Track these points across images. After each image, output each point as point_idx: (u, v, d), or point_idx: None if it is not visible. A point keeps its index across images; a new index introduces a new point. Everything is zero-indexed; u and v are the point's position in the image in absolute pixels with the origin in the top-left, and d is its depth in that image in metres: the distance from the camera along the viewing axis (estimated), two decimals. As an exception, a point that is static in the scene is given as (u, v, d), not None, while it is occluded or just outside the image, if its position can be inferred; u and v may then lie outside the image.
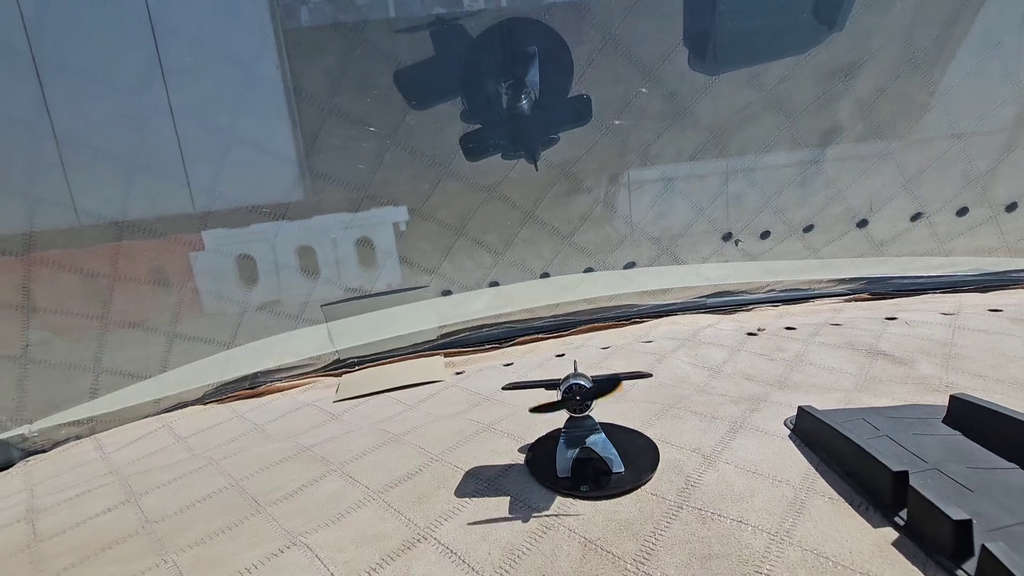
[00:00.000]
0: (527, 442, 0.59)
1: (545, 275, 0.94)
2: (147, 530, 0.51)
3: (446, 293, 0.94)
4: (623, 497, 0.48)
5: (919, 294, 1.00)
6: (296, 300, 0.97)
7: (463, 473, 0.54)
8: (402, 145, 0.82)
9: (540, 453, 0.57)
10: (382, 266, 1.00)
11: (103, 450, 0.77)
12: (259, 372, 0.96)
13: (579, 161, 0.85)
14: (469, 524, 0.47)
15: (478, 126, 0.80)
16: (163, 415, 0.87)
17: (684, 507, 0.45)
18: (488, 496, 0.50)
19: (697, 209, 0.90)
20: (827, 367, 0.75)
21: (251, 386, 0.91)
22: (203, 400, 0.90)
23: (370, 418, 0.74)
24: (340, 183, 0.85)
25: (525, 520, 0.46)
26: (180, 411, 0.88)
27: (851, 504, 0.44)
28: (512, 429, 0.63)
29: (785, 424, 0.58)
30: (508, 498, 0.50)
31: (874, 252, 0.97)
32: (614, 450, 0.54)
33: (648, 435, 0.58)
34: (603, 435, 0.56)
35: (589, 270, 0.95)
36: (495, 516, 0.47)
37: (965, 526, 0.35)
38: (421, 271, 0.91)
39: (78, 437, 0.83)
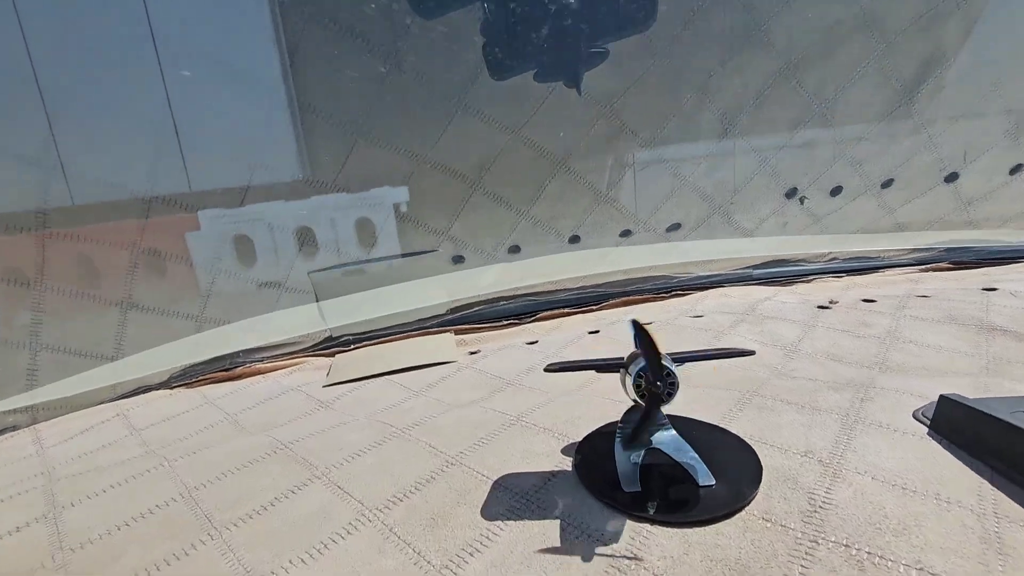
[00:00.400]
0: (570, 440, 0.45)
1: (575, 239, 0.80)
2: (58, 561, 0.37)
3: (458, 260, 0.80)
4: (723, 522, 0.34)
5: (1010, 263, 0.86)
6: (279, 269, 0.83)
7: (490, 483, 0.40)
8: (405, 68, 0.66)
9: (592, 455, 0.43)
10: (380, 246, 0.86)
11: (41, 444, 0.63)
12: (239, 352, 0.82)
13: (625, 94, 0.69)
14: (505, 560, 0.33)
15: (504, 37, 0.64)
16: (121, 401, 0.72)
17: (821, 542, 0.31)
18: (528, 518, 0.36)
19: (760, 159, 0.75)
20: (933, 345, 0.60)
21: (227, 367, 0.77)
22: (169, 384, 0.76)
23: (367, 407, 0.60)
24: (328, 118, 0.69)
25: (586, 558, 0.32)
26: (141, 396, 0.73)
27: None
28: (548, 422, 0.49)
29: (917, 418, 0.44)
30: (557, 522, 0.36)
31: (959, 213, 0.82)
32: (694, 453, 0.40)
33: (734, 432, 0.43)
34: (674, 432, 0.42)
35: (627, 233, 0.80)
36: (541, 548, 0.33)
37: None
38: (428, 232, 0.76)
39: (15, 428, 0.69)
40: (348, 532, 0.37)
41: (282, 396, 0.67)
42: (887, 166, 0.80)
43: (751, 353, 0.42)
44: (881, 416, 0.44)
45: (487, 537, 0.35)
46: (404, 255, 0.75)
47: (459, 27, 0.65)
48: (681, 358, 0.39)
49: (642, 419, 0.37)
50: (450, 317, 0.86)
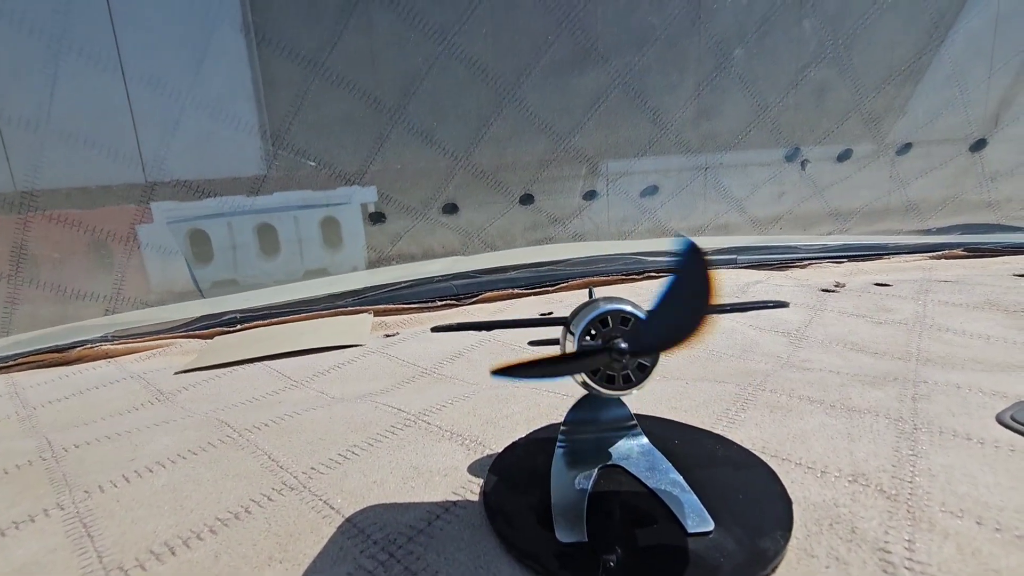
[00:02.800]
0: (487, 451, 0.29)
1: (528, 199, 0.64)
2: None
3: (377, 218, 0.63)
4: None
5: (1031, 252, 0.74)
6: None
7: (339, 522, 0.24)
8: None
9: (513, 476, 0.27)
10: (346, 248, 0.70)
11: None
12: (95, 336, 0.63)
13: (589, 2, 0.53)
14: None
15: None
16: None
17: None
18: (383, 591, 0.20)
19: (759, 105, 0.61)
20: (978, 335, 0.47)
21: (62, 349, 0.58)
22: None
23: (218, 400, 0.43)
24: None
25: None
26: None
27: None
28: (461, 424, 0.33)
29: (1005, 423, 0.29)
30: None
31: (979, 190, 0.70)
32: (678, 476, 0.24)
33: (736, 441, 0.28)
34: (646, 440, 0.26)
35: (592, 194, 0.64)
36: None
37: None
38: (335, 177, 0.59)
39: None
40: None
41: (114, 385, 0.49)
42: (907, 126, 0.67)
43: (785, 305, 0.27)
44: (952, 421, 0.29)
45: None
46: (305, 207, 0.58)
47: None
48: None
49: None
50: (372, 296, 0.69)
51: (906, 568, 0.19)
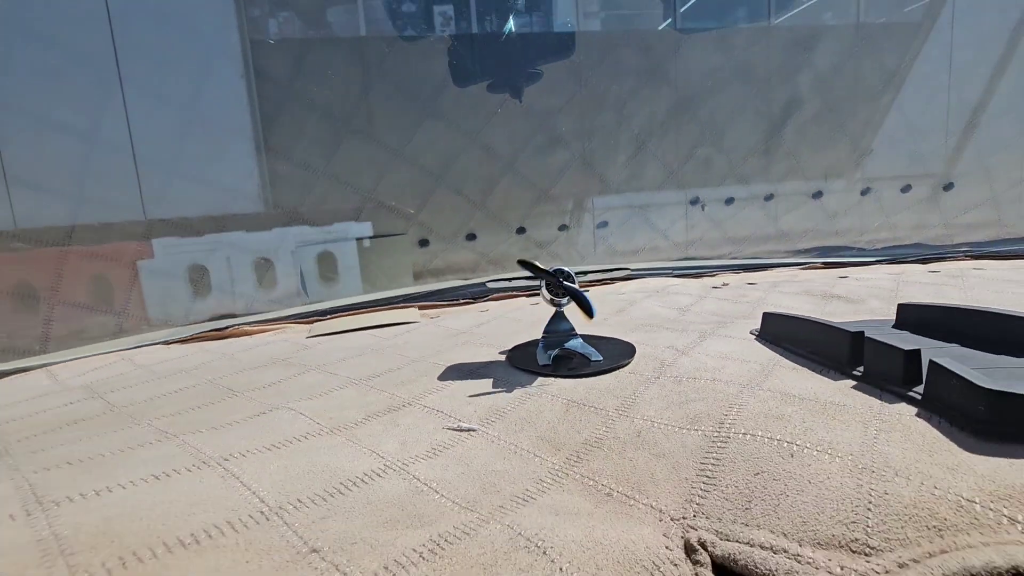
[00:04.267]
0: (506, 348, 0.61)
1: (522, 230, 0.97)
2: (116, 412, 0.50)
3: (423, 243, 0.95)
4: (603, 376, 0.50)
5: (869, 265, 1.08)
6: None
7: (445, 367, 0.55)
8: (387, 78, 0.84)
9: (520, 353, 0.58)
10: (343, 280, 1.00)
11: (55, 377, 0.74)
12: (229, 324, 0.94)
13: (560, 112, 0.88)
14: (453, 395, 0.47)
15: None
16: (123, 352, 0.83)
17: (661, 377, 0.48)
18: (471, 379, 0.51)
19: (669, 170, 0.95)
20: (786, 306, 0.79)
21: (217, 330, 0.89)
22: (166, 342, 0.87)
23: (347, 345, 0.74)
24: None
25: (509, 390, 0.48)
26: (141, 349, 0.84)
27: (813, 370, 0.47)
28: (492, 342, 0.64)
29: (751, 332, 0.61)
30: (490, 379, 0.51)
31: (827, 223, 1.04)
32: (592, 348, 0.56)
33: (622, 339, 0.60)
34: (580, 339, 0.58)
35: (564, 228, 0.98)
36: (478, 391, 0.48)
37: (914, 355, 0.39)
38: (399, 218, 0.92)
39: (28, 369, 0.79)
40: (338, 388, 0.51)
41: (270, 344, 0.80)
42: (766, 183, 1.02)
43: (628, 269, 0.59)
44: (728, 332, 0.62)
45: (441, 387, 0.50)
46: (376, 236, 0.90)
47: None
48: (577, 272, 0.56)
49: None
50: (415, 295, 1.00)
51: (670, 363, 0.51)
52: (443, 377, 0.52)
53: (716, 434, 0.36)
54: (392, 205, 0.83)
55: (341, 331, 0.83)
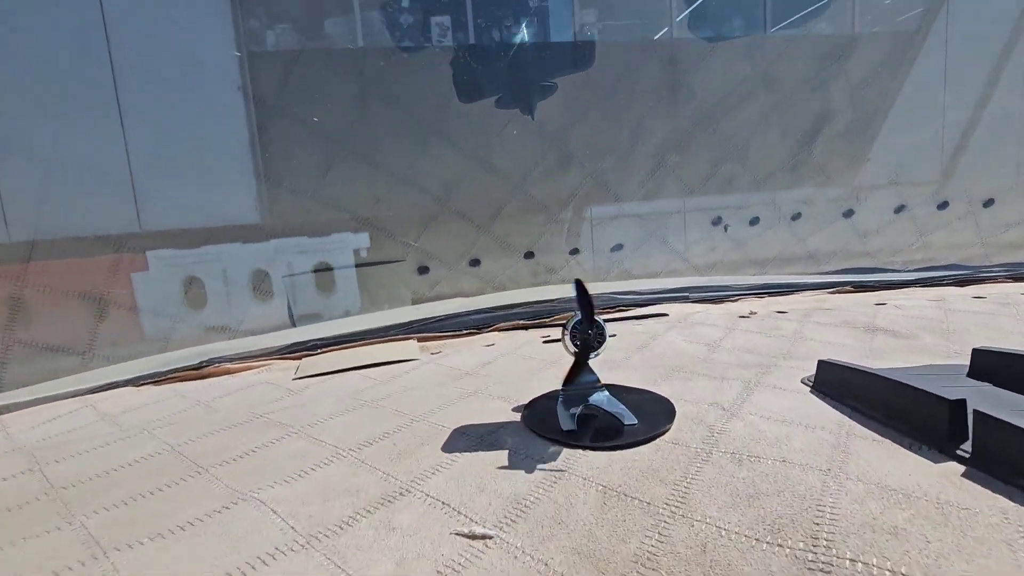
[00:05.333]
0: (520, 403, 0.52)
1: (530, 255, 0.89)
2: (51, 496, 0.41)
3: (423, 270, 0.87)
4: (641, 447, 0.42)
5: (900, 288, 1.00)
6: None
7: (450, 431, 0.47)
8: (385, 93, 0.76)
9: (537, 411, 0.50)
10: (341, 291, 0.92)
11: (7, 431, 0.65)
12: (209, 358, 0.85)
13: (572, 128, 0.80)
14: (462, 477, 0.39)
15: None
16: (87, 396, 0.75)
17: (714, 452, 0.39)
18: (482, 450, 0.43)
19: (689, 189, 0.87)
20: (828, 341, 0.71)
21: (196, 367, 0.80)
22: (136, 382, 0.79)
23: (337, 391, 0.65)
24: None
25: (529, 471, 0.39)
26: (109, 392, 0.76)
27: (900, 444, 0.38)
28: (502, 392, 0.56)
29: (803, 382, 0.53)
30: (506, 451, 0.42)
31: (857, 242, 0.96)
32: (622, 406, 0.48)
33: (655, 391, 0.52)
34: (607, 393, 0.50)
35: (575, 251, 0.90)
36: (492, 469, 0.40)
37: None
38: (398, 244, 0.84)
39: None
40: (324, 464, 0.42)
41: (253, 388, 0.71)
42: (795, 201, 0.94)
43: (665, 315, 0.51)
44: (776, 382, 0.53)
45: (446, 464, 0.41)
46: (372, 263, 0.82)
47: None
48: (607, 319, 0.48)
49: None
50: (413, 327, 0.92)
51: (719, 431, 0.43)
52: (448, 447, 0.44)
53: (811, 557, 0.27)
54: (390, 233, 0.75)
55: (331, 371, 0.74)
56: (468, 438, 0.45)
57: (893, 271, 1.02)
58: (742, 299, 1.01)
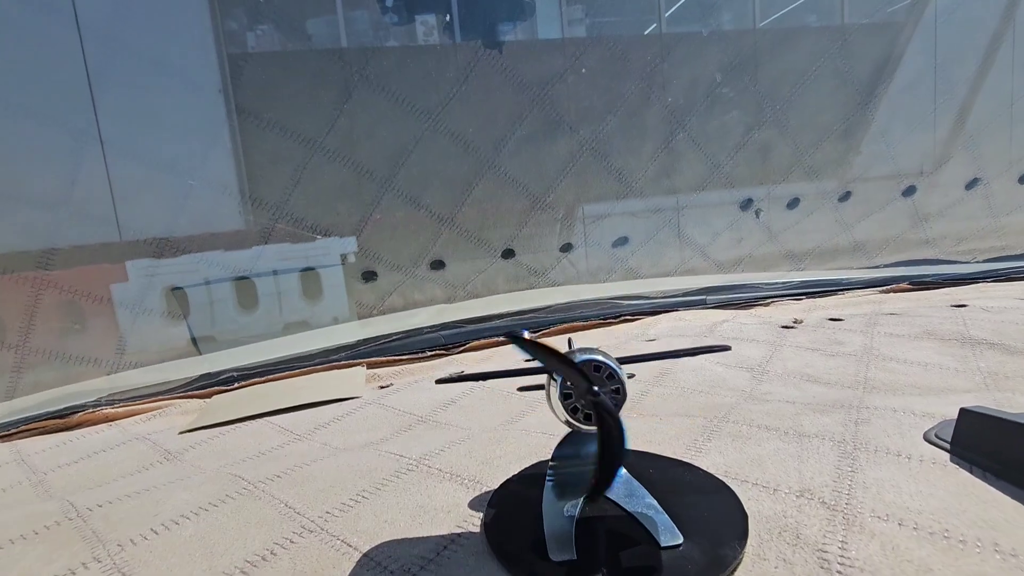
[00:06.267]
0: (485, 488, 0.33)
1: (509, 253, 0.69)
2: None
3: (369, 276, 0.67)
4: (698, 606, 0.22)
5: (970, 283, 0.81)
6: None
7: (357, 557, 0.27)
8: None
9: (509, 509, 0.30)
10: (327, 299, 0.73)
11: None
12: (82, 402, 0.65)
13: (562, 79, 0.60)
14: None
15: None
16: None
17: (852, 632, 0.20)
18: (402, 613, 0.23)
19: (712, 164, 0.68)
20: (917, 362, 0.52)
21: (63, 415, 0.60)
22: (-21, 437, 0.58)
23: (226, 456, 0.45)
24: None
25: None
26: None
27: None
28: (459, 466, 0.36)
29: (931, 440, 0.34)
30: (446, 616, 0.23)
31: (915, 230, 0.77)
32: (652, 499, 0.28)
33: (703, 468, 0.32)
34: (623, 471, 0.30)
35: (568, 247, 0.70)
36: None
37: None
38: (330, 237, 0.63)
39: None
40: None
41: (120, 447, 0.51)
42: (845, 177, 0.75)
43: (727, 348, 0.31)
44: (886, 440, 0.34)
45: (328, 651, 0.21)
46: (302, 269, 0.62)
47: None
48: (639, 358, 0.28)
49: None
50: (364, 349, 0.72)
51: (839, 563, 0.23)
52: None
53: None
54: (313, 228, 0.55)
55: (233, 420, 0.54)
56: (390, 571, 0.26)
57: (957, 263, 0.83)
58: (775, 302, 0.82)
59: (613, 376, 0.26)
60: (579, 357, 0.26)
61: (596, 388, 0.24)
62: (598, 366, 0.26)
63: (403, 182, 0.62)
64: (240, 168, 0.62)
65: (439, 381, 0.32)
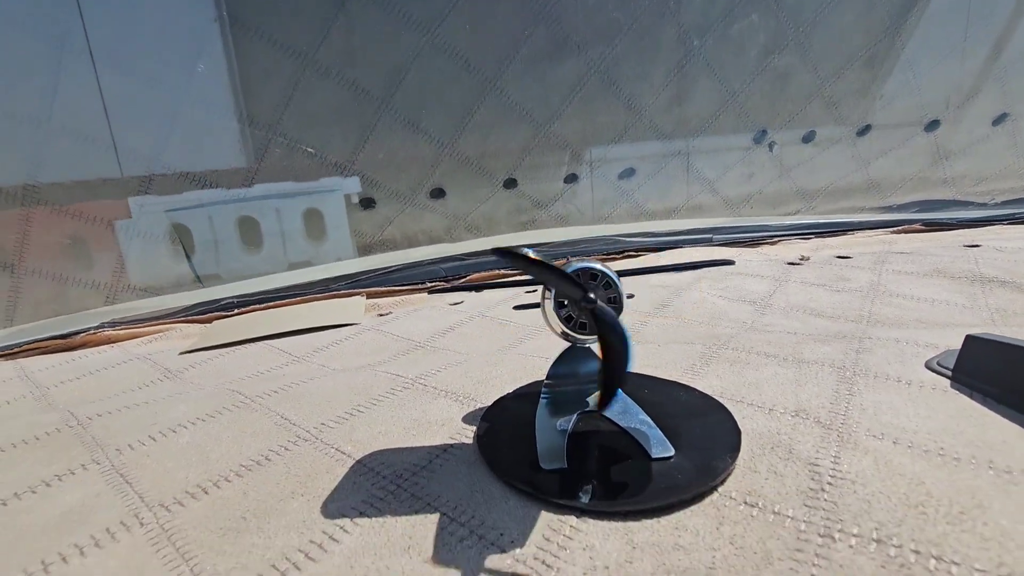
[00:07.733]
0: (479, 405, 0.33)
1: (511, 183, 0.67)
2: None
3: (367, 204, 0.65)
4: (686, 510, 0.22)
5: (984, 225, 0.79)
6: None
7: (350, 464, 0.27)
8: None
9: (503, 423, 0.30)
10: (330, 239, 0.71)
11: None
12: (87, 326, 0.65)
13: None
14: (351, 569, 0.20)
15: None
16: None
17: (837, 536, 0.20)
18: (391, 514, 0.23)
19: (726, 92, 0.64)
20: (924, 298, 0.51)
21: (65, 335, 0.60)
22: (-13, 355, 0.59)
23: (225, 375, 0.46)
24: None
25: (472, 572, 0.20)
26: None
27: None
28: (454, 384, 0.36)
29: (932, 368, 0.33)
30: (435, 516, 0.23)
31: (935, 169, 0.74)
32: (645, 416, 0.28)
33: (699, 389, 0.32)
34: (621, 392, 0.30)
35: (572, 178, 0.68)
36: (401, 563, 0.21)
37: None
38: (326, 165, 0.61)
39: None
40: (110, 538, 0.23)
41: (122, 366, 0.51)
42: (866, 109, 0.71)
43: (731, 263, 0.30)
44: (887, 368, 0.34)
45: (320, 545, 0.22)
46: (296, 193, 0.60)
47: None
48: (639, 271, 0.27)
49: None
50: (364, 279, 0.71)
51: (830, 476, 0.23)
52: (333, 504, 0.24)
53: None
54: (308, 150, 0.53)
55: (233, 342, 0.55)
56: (376, 481, 0.26)
57: (972, 204, 0.81)
58: (781, 241, 0.80)
59: (610, 285, 0.25)
60: (573, 266, 0.25)
61: (592, 296, 0.23)
62: (594, 274, 0.25)
63: (400, 103, 0.59)
64: (235, 80, 0.59)
65: (432, 291, 0.31)
